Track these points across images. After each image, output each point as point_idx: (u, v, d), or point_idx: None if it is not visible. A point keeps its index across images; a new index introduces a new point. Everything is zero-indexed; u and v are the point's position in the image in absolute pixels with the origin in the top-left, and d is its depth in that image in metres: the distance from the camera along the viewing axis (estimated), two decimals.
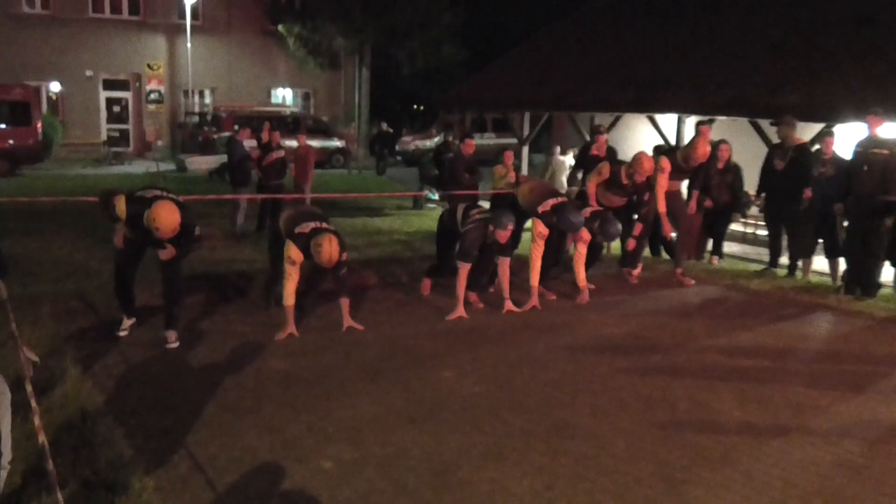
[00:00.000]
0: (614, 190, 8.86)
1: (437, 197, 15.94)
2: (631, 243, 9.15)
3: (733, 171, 9.98)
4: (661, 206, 8.77)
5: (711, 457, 4.57)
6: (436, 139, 27.92)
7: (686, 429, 4.99)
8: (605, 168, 9.12)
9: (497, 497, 4.03)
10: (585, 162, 11.41)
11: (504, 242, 7.46)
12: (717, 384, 5.82)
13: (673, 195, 8.98)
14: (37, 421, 3.58)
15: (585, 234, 8.05)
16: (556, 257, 8.45)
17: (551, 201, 7.87)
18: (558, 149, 14.88)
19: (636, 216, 9.18)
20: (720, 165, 9.85)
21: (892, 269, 8.74)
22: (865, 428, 5.10)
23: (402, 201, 16.19)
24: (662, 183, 8.71)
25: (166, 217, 5.87)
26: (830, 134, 9.26)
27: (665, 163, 8.70)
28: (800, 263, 9.53)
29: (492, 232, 7.32)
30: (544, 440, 4.74)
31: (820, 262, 9.76)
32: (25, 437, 4.30)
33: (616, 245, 9.61)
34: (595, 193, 9.01)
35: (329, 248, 6.27)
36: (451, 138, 16.79)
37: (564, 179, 13.31)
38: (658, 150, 11.27)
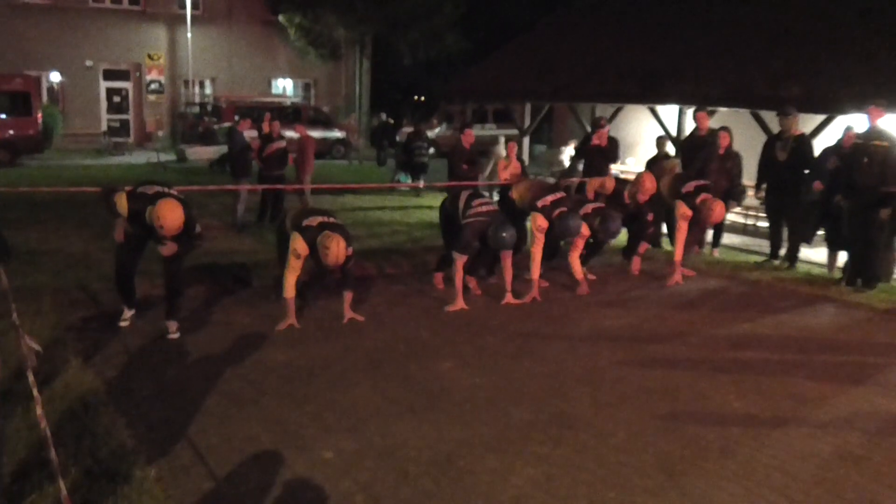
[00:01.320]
0: (615, 207, 8.88)
1: (408, 179, 16.18)
2: (636, 261, 9.17)
3: (733, 158, 10.00)
4: (678, 256, 8.78)
5: (711, 448, 4.58)
6: (437, 130, 27.93)
7: (686, 420, 5.00)
8: (610, 184, 9.20)
9: (497, 487, 4.04)
10: (585, 152, 11.40)
11: None
12: (717, 375, 5.84)
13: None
14: (39, 410, 3.59)
15: (585, 230, 8.08)
16: (553, 249, 8.47)
17: (550, 197, 7.94)
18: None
19: (641, 235, 9.19)
20: (720, 152, 9.87)
21: None
22: (865, 419, 5.11)
23: (402, 192, 16.16)
24: (683, 227, 8.72)
25: (170, 215, 5.88)
26: (851, 128, 9.23)
27: (685, 210, 8.65)
28: (801, 253, 9.54)
29: (490, 238, 7.34)
30: (544, 431, 4.75)
31: (819, 254, 9.78)
32: (28, 427, 4.32)
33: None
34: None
35: (336, 251, 6.29)
36: (421, 127, 16.92)
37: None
38: (660, 141, 11.30)
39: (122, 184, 6.51)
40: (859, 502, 4.00)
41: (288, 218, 6.98)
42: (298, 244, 6.46)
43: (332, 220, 6.72)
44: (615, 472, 4.24)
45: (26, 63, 24.55)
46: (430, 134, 27.82)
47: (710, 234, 10.31)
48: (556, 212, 7.82)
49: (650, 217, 8.98)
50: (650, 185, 8.79)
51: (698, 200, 8.63)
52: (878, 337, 7.02)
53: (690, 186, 8.80)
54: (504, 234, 7.27)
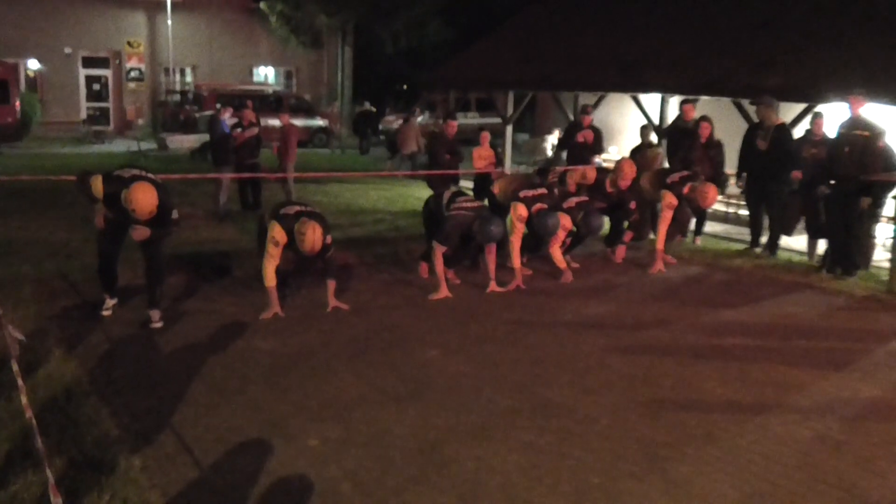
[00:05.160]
0: (598, 197, 8.93)
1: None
2: (621, 249, 9.20)
3: (716, 147, 10.09)
4: (660, 244, 8.81)
5: (694, 434, 4.62)
6: (419, 119, 27.85)
7: (669, 406, 5.04)
8: (592, 174, 9.25)
9: (483, 474, 4.06)
10: (569, 145, 11.44)
11: None
12: (699, 362, 5.88)
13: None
14: (24, 399, 3.57)
15: (567, 222, 8.12)
16: (538, 241, 8.50)
17: (532, 191, 8.02)
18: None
19: (626, 224, 9.23)
20: (702, 141, 9.95)
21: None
22: (845, 404, 5.18)
23: (385, 181, 16.13)
24: (667, 216, 8.75)
25: (143, 199, 5.80)
26: (820, 115, 9.30)
27: (671, 198, 8.67)
28: (781, 241, 9.62)
29: (476, 232, 7.35)
30: (529, 418, 4.78)
31: (800, 242, 9.87)
32: (10, 417, 4.29)
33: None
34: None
35: (312, 237, 6.32)
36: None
37: None
38: (644, 130, 11.34)
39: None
40: (840, 486, 4.06)
41: (267, 213, 7.00)
42: (276, 232, 6.47)
43: (309, 209, 6.76)
44: (600, 458, 4.27)
45: (4, 50, 24.16)
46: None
47: (692, 222, 10.38)
48: (536, 206, 7.85)
49: (633, 205, 9.03)
50: (629, 169, 8.86)
51: (685, 190, 8.69)
52: (858, 323, 7.10)
53: (675, 177, 8.86)
54: (492, 228, 7.31)
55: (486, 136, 11.33)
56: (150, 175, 6.17)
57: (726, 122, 10.88)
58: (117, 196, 5.95)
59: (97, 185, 6.03)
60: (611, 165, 10.35)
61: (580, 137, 11.19)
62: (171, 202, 6.14)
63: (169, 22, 26.85)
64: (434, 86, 19.08)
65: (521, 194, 7.94)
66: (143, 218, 5.91)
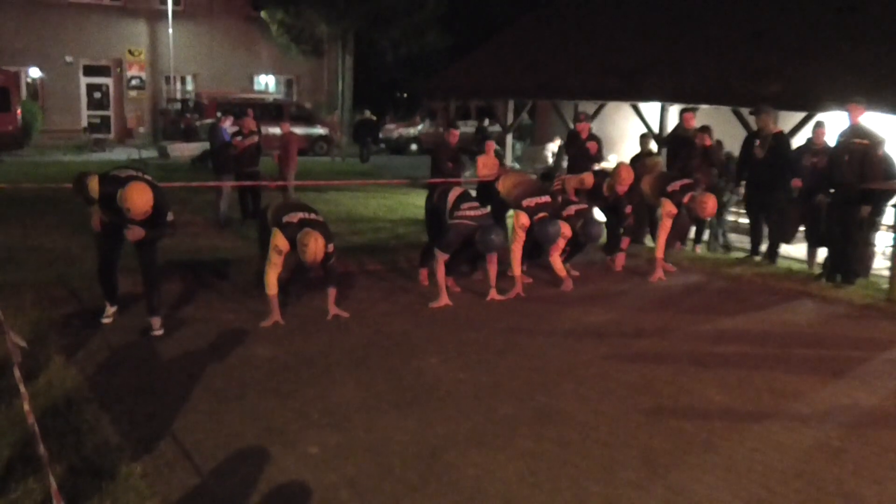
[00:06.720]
0: (595, 201, 8.94)
1: None
2: (620, 257, 9.21)
3: (716, 150, 10.14)
4: (660, 252, 8.85)
5: (694, 441, 4.63)
6: (419, 126, 27.97)
7: (669, 414, 5.05)
8: (589, 179, 9.27)
9: (482, 481, 4.07)
10: (575, 150, 11.45)
11: None
12: (699, 370, 5.89)
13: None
14: (26, 406, 3.58)
15: (567, 230, 8.13)
16: (539, 249, 8.51)
17: (536, 199, 7.98)
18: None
19: (622, 230, 9.26)
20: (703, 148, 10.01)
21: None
22: (844, 412, 5.18)
23: (385, 189, 16.16)
24: (667, 224, 8.79)
25: (138, 198, 5.78)
26: (821, 124, 9.33)
27: (671, 207, 8.71)
28: (782, 250, 9.64)
29: (478, 242, 7.35)
30: (529, 425, 4.78)
31: (799, 250, 9.88)
32: (10, 424, 4.29)
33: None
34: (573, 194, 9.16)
35: (314, 248, 6.28)
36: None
37: None
38: (644, 139, 11.37)
39: None
40: (838, 494, 4.06)
41: (269, 212, 6.96)
42: (279, 241, 6.46)
43: (312, 216, 6.71)
44: (599, 466, 4.27)
45: (5, 58, 24.29)
46: (413, 131, 27.93)
47: (692, 230, 10.39)
48: (538, 216, 7.85)
49: (628, 209, 9.04)
50: (626, 175, 8.85)
51: (685, 199, 8.70)
52: (857, 332, 7.11)
53: (676, 185, 8.87)
54: (493, 237, 7.31)
55: (490, 145, 11.38)
56: (146, 176, 6.17)
57: (726, 131, 10.91)
58: (113, 196, 5.93)
59: (93, 184, 6.02)
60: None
61: (588, 142, 11.13)
62: (166, 203, 6.11)
63: (170, 30, 26.94)
64: (434, 94, 19.12)
65: (524, 203, 7.91)
66: (137, 218, 5.89)
